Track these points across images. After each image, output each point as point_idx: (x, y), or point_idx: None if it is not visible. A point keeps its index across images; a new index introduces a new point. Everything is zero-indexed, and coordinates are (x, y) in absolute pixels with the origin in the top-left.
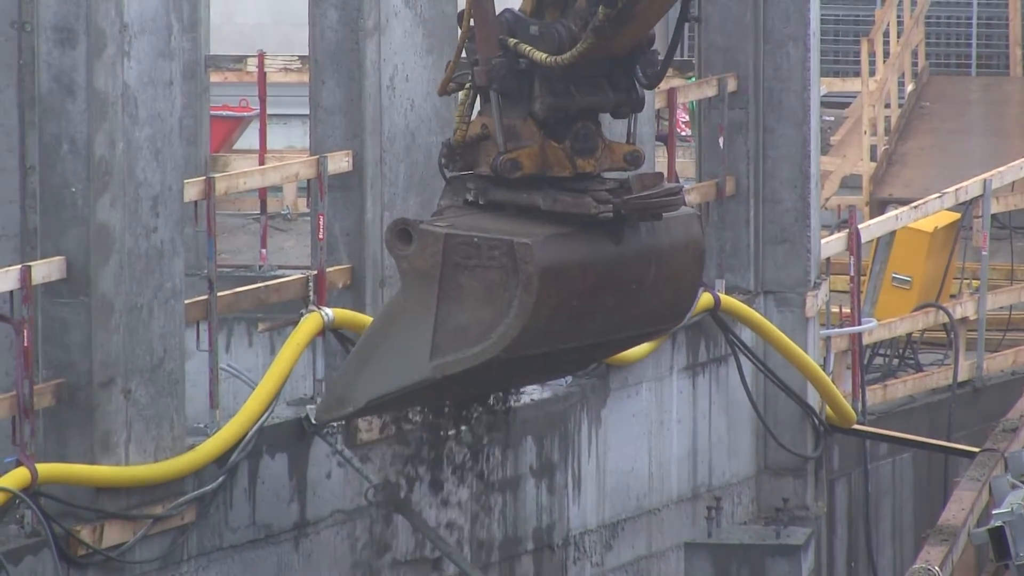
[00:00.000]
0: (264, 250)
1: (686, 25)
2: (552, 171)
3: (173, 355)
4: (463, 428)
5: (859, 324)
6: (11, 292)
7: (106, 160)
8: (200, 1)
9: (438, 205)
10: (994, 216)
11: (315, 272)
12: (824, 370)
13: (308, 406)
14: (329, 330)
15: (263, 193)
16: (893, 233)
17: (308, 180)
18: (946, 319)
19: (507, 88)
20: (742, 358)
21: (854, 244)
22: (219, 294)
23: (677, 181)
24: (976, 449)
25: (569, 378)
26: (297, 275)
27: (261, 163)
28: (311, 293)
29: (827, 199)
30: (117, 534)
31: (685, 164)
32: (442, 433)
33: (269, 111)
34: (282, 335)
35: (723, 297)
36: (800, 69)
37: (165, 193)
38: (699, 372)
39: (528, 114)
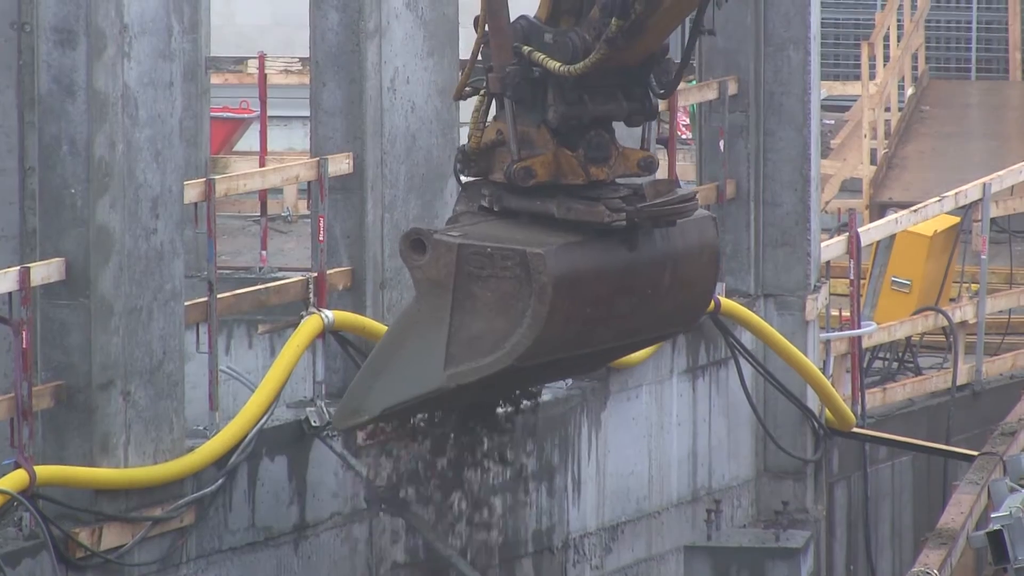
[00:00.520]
0: (264, 252)
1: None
2: (566, 179)
3: (173, 357)
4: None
5: (859, 327)
6: (10, 293)
7: (106, 161)
8: (200, 2)
9: (453, 211)
10: (993, 220)
11: (315, 274)
12: (824, 373)
13: (308, 408)
14: (329, 332)
15: (263, 195)
16: (893, 237)
17: (308, 182)
18: (945, 323)
19: (521, 96)
20: (742, 361)
21: (854, 247)
22: (219, 296)
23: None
24: (975, 452)
25: (569, 380)
26: (297, 277)
27: (261, 165)
28: (311, 295)
29: (827, 202)
30: (116, 536)
31: (685, 167)
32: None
33: (269, 113)
34: (282, 337)
35: (723, 300)
36: (800, 73)
37: (165, 195)
38: (699, 375)
39: (542, 121)
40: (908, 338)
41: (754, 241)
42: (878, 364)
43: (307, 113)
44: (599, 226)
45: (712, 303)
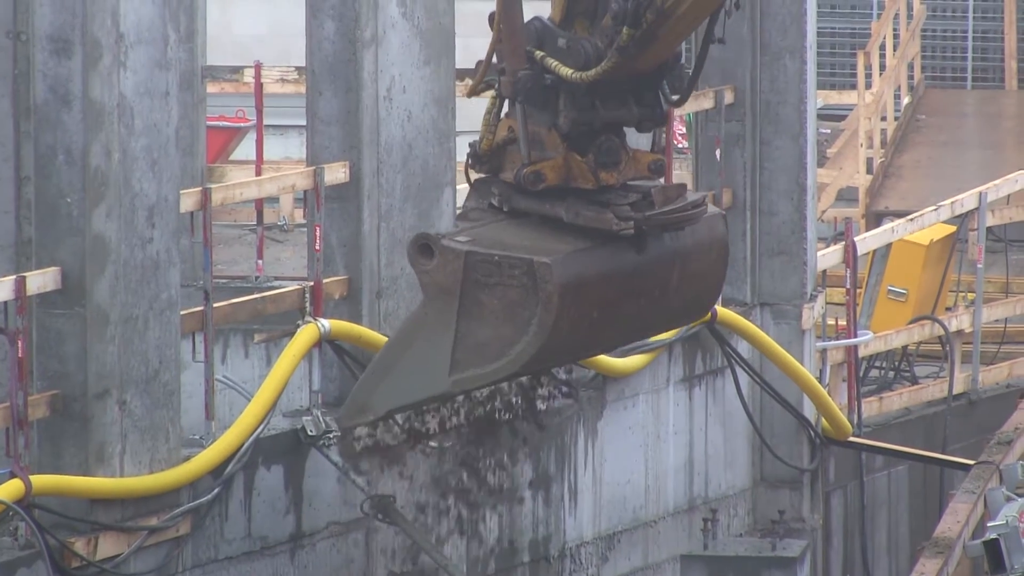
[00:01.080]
0: (260, 261)
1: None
2: (575, 183)
3: (169, 366)
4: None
5: (855, 336)
6: (6, 303)
7: (102, 170)
8: (197, 11)
9: (464, 206)
10: (989, 229)
11: (312, 283)
12: (820, 382)
13: (304, 418)
14: (325, 341)
15: (260, 204)
16: (889, 245)
17: (305, 191)
18: (942, 332)
19: (533, 100)
20: (738, 370)
21: (850, 256)
22: (215, 305)
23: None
24: (971, 461)
25: (565, 389)
26: (294, 286)
27: (258, 174)
28: (307, 304)
29: (823, 211)
30: (112, 546)
31: (682, 176)
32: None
33: (266, 122)
34: (278, 346)
35: (719, 309)
36: (797, 82)
37: (161, 204)
38: (695, 384)
39: (553, 125)
40: (904, 347)
41: (750, 250)
42: (874, 373)
43: (303, 122)
44: (608, 234)
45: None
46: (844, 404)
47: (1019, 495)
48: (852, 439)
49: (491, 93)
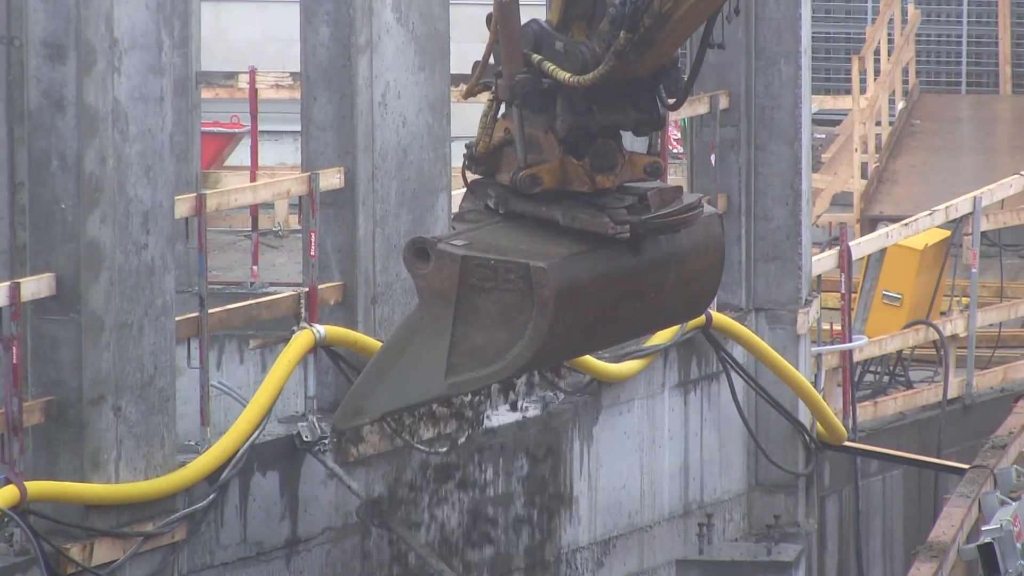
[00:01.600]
0: (255, 267)
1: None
2: (572, 186)
3: (164, 372)
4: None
5: (850, 341)
6: (0, 309)
7: (96, 176)
8: (191, 17)
9: (460, 207)
10: (984, 234)
11: (307, 289)
12: (815, 387)
13: (300, 423)
14: (321, 347)
15: (254, 210)
16: (884, 250)
17: (300, 197)
18: (936, 336)
19: (530, 104)
20: (733, 375)
21: (845, 261)
22: (210, 311)
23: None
24: (966, 466)
25: (561, 395)
26: (289, 292)
27: (252, 180)
28: (303, 310)
29: (818, 216)
30: (107, 552)
31: (677, 181)
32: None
33: (260, 127)
34: (273, 352)
35: (714, 314)
36: (791, 87)
37: (156, 209)
38: (691, 389)
39: (549, 128)
40: (899, 352)
41: (745, 255)
42: (869, 378)
43: (298, 128)
44: (604, 237)
45: (704, 317)
46: (839, 409)
47: (1013, 499)
48: (847, 444)
49: (487, 95)
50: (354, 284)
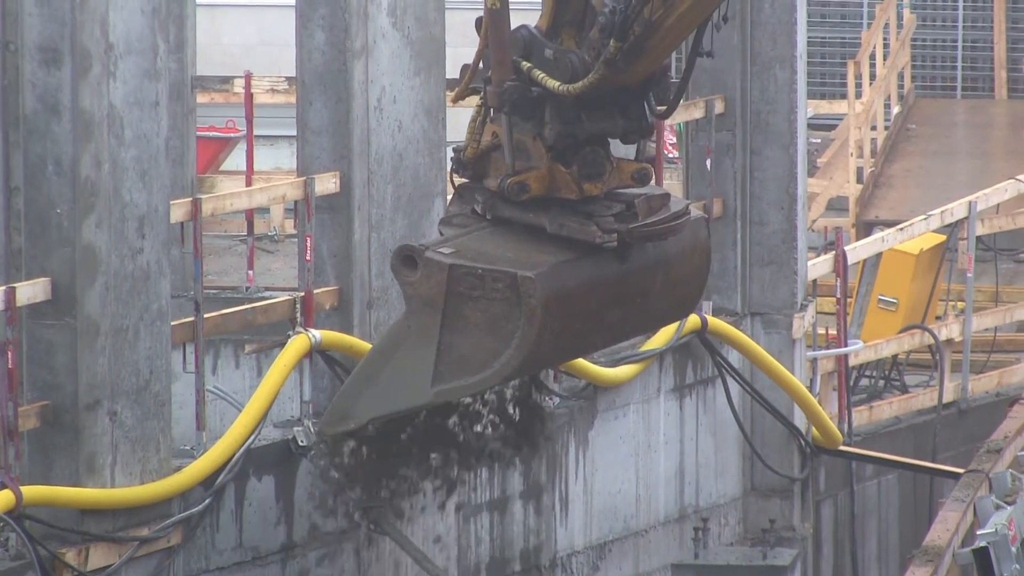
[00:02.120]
0: (251, 271)
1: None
2: (559, 193)
3: (159, 377)
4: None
5: (845, 346)
6: None
7: (92, 181)
8: (186, 21)
9: (447, 211)
10: (979, 238)
11: (302, 294)
12: (810, 391)
13: (295, 428)
14: (316, 352)
15: (250, 214)
16: (879, 255)
17: (295, 201)
18: (932, 341)
19: (519, 112)
20: (729, 380)
21: (840, 266)
22: (206, 316)
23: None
24: (961, 470)
25: (557, 399)
26: (284, 297)
27: (248, 184)
28: (298, 315)
29: (814, 221)
30: (103, 557)
31: (672, 186)
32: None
33: (256, 132)
34: (269, 357)
35: (710, 319)
36: (787, 91)
37: (151, 214)
38: (686, 394)
39: (538, 134)
40: (894, 356)
41: (741, 260)
42: (864, 382)
43: (294, 132)
44: (591, 245)
45: (699, 322)
46: (834, 413)
47: (1009, 503)
48: (842, 448)
49: (477, 99)
50: (350, 289)
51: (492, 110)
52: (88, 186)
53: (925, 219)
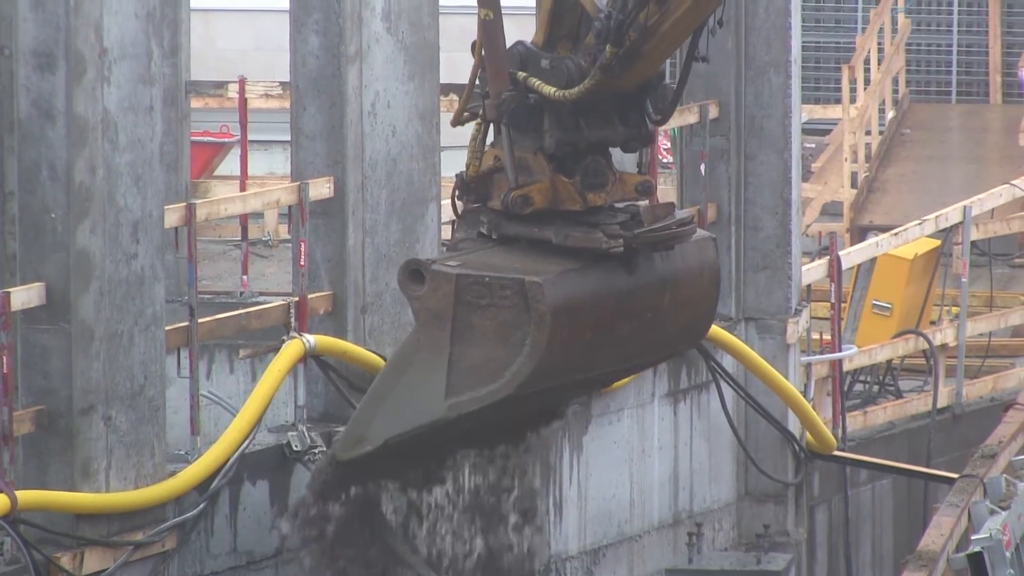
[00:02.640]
0: (245, 276)
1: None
2: (563, 205)
3: (154, 382)
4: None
5: (840, 351)
6: None
7: (86, 186)
8: (181, 27)
9: (452, 238)
10: (974, 243)
11: (296, 298)
12: (805, 397)
13: (289, 433)
14: (311, 357)
15: (244, 219)
16: (874, 260)
17: (289, 206)
18: (926, 346)
19: (517, 122)
20: (723, 385)
21: (835, 271)
22: (200, 320)
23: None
24: (955, 475)
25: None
26: (278, 301)
27: (242, 189)
28: (292, 319)
29: (808, 226)
30: (98, 561)
31: (667, 191)
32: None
33: (250, 137)
34: (263, 362)
35: None
36: (781, 96)
37: (146, 219)
38: (680, 399)
39: (539, 148)
40: (889, 361)
41: (735, 265)
42: (859, 387)
43: (288, 137)
44: (597, 253)
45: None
46: (828, 418)
47: (1003, 508)
48: (836, 453)
49: (475, 123)
50: (344, 294)
51: (494, 132)
52: (82, 191)
53: (920, 224)
